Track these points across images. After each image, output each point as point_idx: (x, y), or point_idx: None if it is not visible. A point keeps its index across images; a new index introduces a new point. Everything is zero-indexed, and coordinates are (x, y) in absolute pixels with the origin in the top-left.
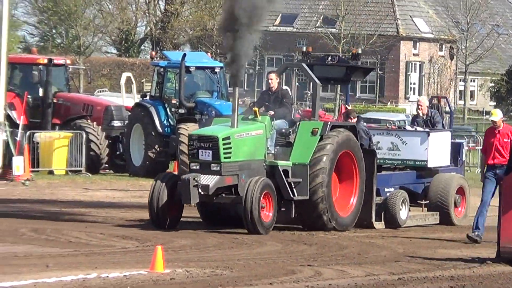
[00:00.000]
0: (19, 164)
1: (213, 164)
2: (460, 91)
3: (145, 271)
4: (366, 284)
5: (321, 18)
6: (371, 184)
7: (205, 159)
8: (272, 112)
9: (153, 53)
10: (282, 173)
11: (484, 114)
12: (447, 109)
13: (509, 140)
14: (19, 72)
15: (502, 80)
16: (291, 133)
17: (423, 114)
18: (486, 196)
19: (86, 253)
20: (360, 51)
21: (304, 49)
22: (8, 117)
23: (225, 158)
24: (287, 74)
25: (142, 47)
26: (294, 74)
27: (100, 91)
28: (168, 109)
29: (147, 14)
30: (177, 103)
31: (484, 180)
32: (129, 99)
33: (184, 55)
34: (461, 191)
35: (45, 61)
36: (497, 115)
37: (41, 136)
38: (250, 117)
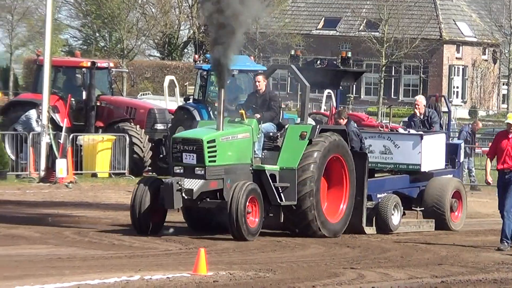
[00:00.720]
0: (63, 167)
1: (197, 168)
2: (503, 95)
3: (188, 273)
4: (409, 287)
5: (364, 21)
6: (362, 187)
7: (189, 162)
8: (258, 115)
9: (196, 56)
10: (269, 177)
11: None
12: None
13: None
14: (62, 75)
15: None
16: (279, 136)
17: (420, 114)
18: (501, 203)
19: (129, 255)
20: (350, 55)
21: (293, 52)
22: (51, 120)
23: (210, 161)
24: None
25: (185, 51)
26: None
27: (143, 94)
28: (211, 112)
29: (190, 17)
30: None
31: (498, 188)
32: (172, 102)
33: None
34: (457, 195)
35: (89, 64)
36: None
37: (84, 139)
38: (236, 119)
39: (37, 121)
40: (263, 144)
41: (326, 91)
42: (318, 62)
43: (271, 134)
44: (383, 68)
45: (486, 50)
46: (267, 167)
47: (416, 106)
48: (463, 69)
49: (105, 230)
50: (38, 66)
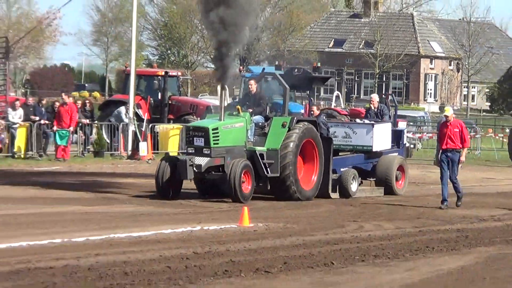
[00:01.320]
0: (144, 148)
1: (204, 149)
2: (464, 95)
3: (235, 225)
4: (396, 234)
5: (363, 42)
6: (328, 164)
7: (198, 144)
8: (250, 110)
9: (241, 67)
10: (258, 156)
11: (481, 112)
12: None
13: (458, 130)
14: (143, 81)
15: (495, 87)
16: (266, 126)
17: (374, 108)
18: (444, 173)
19: (192, 212)
20: (319, 65)
21: (277, 63)
22: (136, 114)
23: (214, 144)
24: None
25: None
26: (344, 83)
27: (203, 95)
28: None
29: None
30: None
31: (440, 162)
32: (226, 101)
33: (263, 69)
34: (401, 168)
35: (163, 73)
36: (449, 111)
37: (160, 127)
38: (234, 113)
39: (125, 114)
40: (254, 131)
41: (335, 92)
42: (296, 70)
43: (260, 123)
44: (377, 76)
45: (452, 62)
46: (257, 148)
47: (372, 102)
48: (435, 76)
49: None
50: (126, 75)
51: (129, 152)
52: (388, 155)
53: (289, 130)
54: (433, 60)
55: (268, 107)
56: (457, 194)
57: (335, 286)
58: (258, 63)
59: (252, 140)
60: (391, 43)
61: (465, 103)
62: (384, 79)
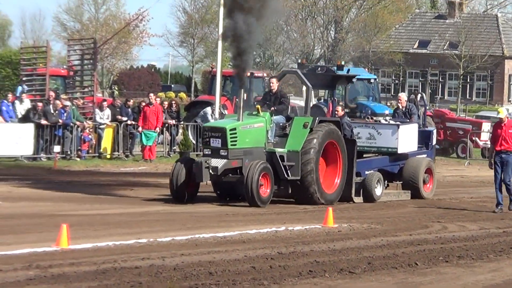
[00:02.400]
0: None
1: (221, 150)
2: None
3: (319, 225)
4: (479, 235)
5: (448, 43)
6: (351, 166)
7: (215, 146)
8: (273, 108)
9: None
10: (279, 158)
11: None
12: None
13: None
14: (229, 82)
15: None
16: (287, 126)
17: (402, 107)
18: (497, 176)
19: (277, 212)
20: (343, 63)
21: (299, 61)
22: (221, 114)
23: (231, 145)
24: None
25: (318, 64)
26: (428, 84)
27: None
28: (325, 108)
29: (322, 40)
30: (343, 104)
31: (493, 165)
32: (312, 102)
33: (348, 70)
34: (429, 171)
35: (248, 74)
36: (503, 112)
37: None
38: (254, 113)
39: (211, 115)
40: (275, 132)
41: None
42: (319, 69)
43: (281, 124)
44: (461, 77)
45: None
46: (277, 149)
47: (399, 100)
48: None
49: None
50: (212, 76)
51: None
52: (416, 157)
53: (311, 130)
54: None
55: (289, 106)
56: (510, 197)
57: (418, 287)
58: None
59: (272, 141)
60: (475, 44)
61: None
62: (468, 80)
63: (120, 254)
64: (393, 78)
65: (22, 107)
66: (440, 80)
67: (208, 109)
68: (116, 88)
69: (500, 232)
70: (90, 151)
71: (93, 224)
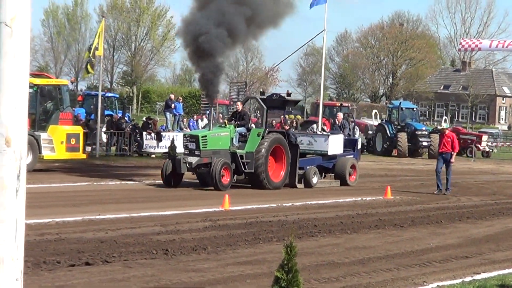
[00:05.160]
0: None
1: (196, 151)
2: None
3: (381, 197)
4: (480, 204)
5: (461, 86)
6: (295, 163)
7: (191, 148)
8: (235, 123)
9: (387, 101)
10: (239, 157)
11: None
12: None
13: (450, 140)
14: (327, 109)
15: None
16: (247, 135)
17: (338, 122)
18: (438, 168)
19: (357, 188)
20: (291, 92)
21: (261, 90)
22: (322, 129)
23: (203, 147)
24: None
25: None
26: (449, 112)
27: (363, 117)
28: (392, 126)
29: (384, 84)
30: (397, 124)
31: (437, 160)
32: (376, 121)
33: (400, 103)
34: (353, 166)
35: (339, 104)
36: (444, 126)
37: None
38: (222, 125)
39: (316, 129)
40: (238, 138)
41: (444, 117)
42: (274, 95)
43: (242, 133)
44: (469, 107)
45: None
46: (238, 151)
47: (337, 118)
48: (505, 107)
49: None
50: (317, 105)
51: None
52: (345, 157)
53: (263, 138)
54: (504, 98)
55: (250, 121)
56: (447, 184)
57: (441, 236)
58: (397, 99)
59: (236, 145)
60: (478, 87)
61: None
62: (473, 109)
63: (259, 212)
64: (427, 107)
65: (202, 123)
66: (456, 109)
67: (314, 125)
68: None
69: (493, 202)
70: None
71: (246, 194)
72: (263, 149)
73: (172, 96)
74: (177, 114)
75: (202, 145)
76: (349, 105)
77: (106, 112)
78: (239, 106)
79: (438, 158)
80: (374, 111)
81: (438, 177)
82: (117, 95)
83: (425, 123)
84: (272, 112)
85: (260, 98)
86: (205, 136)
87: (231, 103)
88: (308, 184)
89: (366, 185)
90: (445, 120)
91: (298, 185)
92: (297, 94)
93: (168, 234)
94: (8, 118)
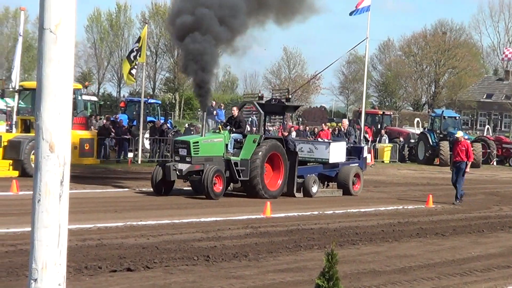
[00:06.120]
0: (369, 157)
1: (187, 157)
2: None
3: (423, 205)
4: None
5: (504, 95)
6: (293, 171)
7: (182, 154)
8: (229, 128)
9: (430, 110)
10: (233, 164)
11: None
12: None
13: (464, 149)
14: (369, 117)
15: None
16: (243, 141)
17: (344, 129)
18: (453, 179)
19: (397, 196)
20: (290, 97)
21: (260, 94)
22: (365, 137)
23: (194, 154)
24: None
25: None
26: (492, 121)
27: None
28: (434, 134)
29: (427, 92)
30: (439, 133)
31: (452, 172)
32: (419, 130)
33: (442, 111)
34: (357, 175)
35: (381, 112)
36: (460, 134)
37: (378, 145)
38: (217, 131)
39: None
40: (233, 145)
41: (487, 126)
42: (273, 100)
43: (238, 140)
44: None
45: None
46: (233, 158)
47: (342, 124)
48: None
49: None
50: (359, 113)
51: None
52: (349, 165)
53: (259, 145)
54: None
55: (246, 127)
56: (456, 193)
57: (483, 245)
58: (439, 107)
59: (231, 151)
60: None
61: None
62: None
63: (300, 220)
64: (470, 116)
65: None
66: (499, 118)
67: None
68: (301, 120)
69: None
70: None
71: (284, 203)
72: (259, 156)
73: (214, 103)
74: (218, 120)
75: (194, 151)
76: (391, 113)
77: (149, 119)
78: (235, 111)
79: (452, 169)
80: (416, 119)
81: (455, 187)
82: (160, 102)
83: (467, 132)
84: (284, 115)
85: (258, 103)
86: (197, 142)
87: None
88: (307, 193)
89: (408, 194)
90: (488, 129)
91: (297, 194)
92: (339, 102)
93: (210, 241)
94: (52, 124)
